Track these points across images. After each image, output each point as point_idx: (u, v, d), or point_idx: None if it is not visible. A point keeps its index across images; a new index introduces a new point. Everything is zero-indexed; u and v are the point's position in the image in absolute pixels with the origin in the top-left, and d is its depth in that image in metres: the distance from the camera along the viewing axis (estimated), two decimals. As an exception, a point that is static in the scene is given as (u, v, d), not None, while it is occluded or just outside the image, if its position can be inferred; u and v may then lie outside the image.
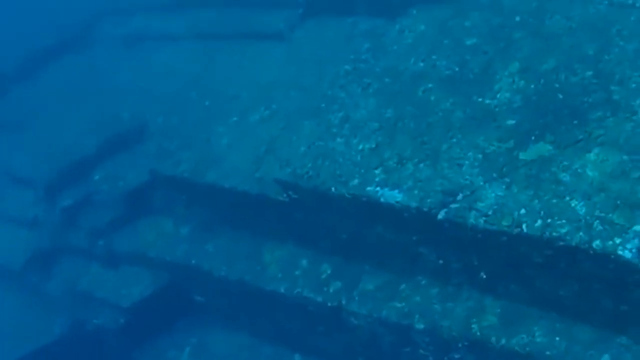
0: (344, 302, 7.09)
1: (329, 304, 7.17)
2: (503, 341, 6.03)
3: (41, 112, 11.57)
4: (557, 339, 5.82)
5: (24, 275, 9.96)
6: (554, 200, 5.60)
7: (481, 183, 6.04)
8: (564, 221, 5.46)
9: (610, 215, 5.32)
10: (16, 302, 10.08)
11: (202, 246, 8.45)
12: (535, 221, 5.58)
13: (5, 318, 9.92)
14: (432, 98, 6.99)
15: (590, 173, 5.61)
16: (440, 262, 6.54)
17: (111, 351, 9.19)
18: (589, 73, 6.30)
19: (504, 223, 5.72)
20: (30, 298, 9.88)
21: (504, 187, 5.91)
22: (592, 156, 5.70)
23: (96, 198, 9.45)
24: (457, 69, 7.09)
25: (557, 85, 6.39)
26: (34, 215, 10.15)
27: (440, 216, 6.10)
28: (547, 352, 5.80)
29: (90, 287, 9.24)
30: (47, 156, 10.25)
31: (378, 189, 6.54)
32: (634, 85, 6.02)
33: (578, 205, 5.48)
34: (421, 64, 7.37)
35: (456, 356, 6.42)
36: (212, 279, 8.21)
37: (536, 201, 5.67)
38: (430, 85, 7.11)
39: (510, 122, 6.34)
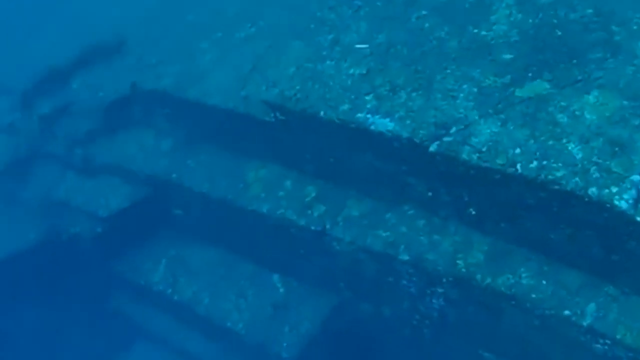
0: (327, 226, 7.06)
1: (313, 228, 7.13)
2: (488, 280, 6.05)
3: (14, 19, 11.21)
4: (544, 282, 5.85)
5: (-1, 182, 9.82)
6: (551, 142, 5.53)
7: (476, 117, 5.95)
8: (560, 164, 5.40)
9: (607, 162, 5.27)
10: (-10, 208, 9.90)
11: (183, 161, 8.33)
12: (531, 162, 5.51)
13: (-21, 223, 9.75)
14: (426, 25, 6.86)
15: (588, 116, 5.54)
16: (429, 194, 6.49)
17: (87, 261, 9.12)
18: (589, 11, 6.20)
19: (498, 161, 5.64)
20: (6, 205, 9.72)
21: (499, 123, 5.81)
22: (591, 98, 5.63)
23: (75, 107, 9.21)
24: (452, -4, 6.95)
25: (555, 21, 6.29)
26: (10, 121, 9.88)
27: (432, 149, 6.00)
28: (533, 295, 5.83)
29: (68, 195, 9.08)
30: (22, 63, 9.95)
31: (369, 116, 6.43)
32: (635, 27, 5.95)
33: (575, 149, 5.41)
34: (416, -11, 7.20)
35: (439, 290, 6.46)
36: (193, 194, 8.12)
37: (532, 141, 5.60)
38: (424, 12, 6.98)
39: (507, 56, 6.24)
